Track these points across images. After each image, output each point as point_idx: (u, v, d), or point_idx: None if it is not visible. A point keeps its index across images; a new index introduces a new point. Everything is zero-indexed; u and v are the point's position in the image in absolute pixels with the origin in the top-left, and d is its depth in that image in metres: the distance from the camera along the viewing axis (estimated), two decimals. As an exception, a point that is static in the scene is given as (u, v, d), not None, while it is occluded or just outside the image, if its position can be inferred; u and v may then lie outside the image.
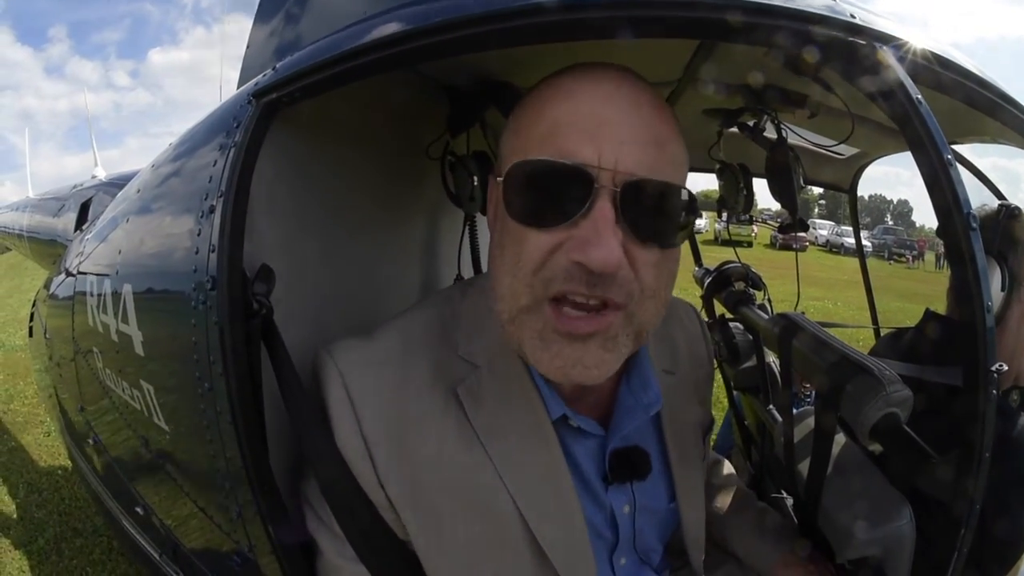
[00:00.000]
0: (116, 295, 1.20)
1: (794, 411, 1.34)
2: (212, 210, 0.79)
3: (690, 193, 0.65)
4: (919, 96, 0.69)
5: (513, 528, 0.72)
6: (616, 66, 0.67)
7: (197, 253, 0.80)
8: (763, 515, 1.09)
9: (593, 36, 0.67)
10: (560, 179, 0.61)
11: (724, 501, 1.13)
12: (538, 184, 0.62)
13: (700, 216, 0.71)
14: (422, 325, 0.78)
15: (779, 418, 1.44)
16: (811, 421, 1.18)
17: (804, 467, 1.13)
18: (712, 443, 2.83)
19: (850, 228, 2.48)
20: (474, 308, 0.78)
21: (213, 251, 0.76)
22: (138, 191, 1.34)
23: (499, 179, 0.67)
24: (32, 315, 2.67)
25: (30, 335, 2.77)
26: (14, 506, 3.17)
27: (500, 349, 0.73)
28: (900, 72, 0.68)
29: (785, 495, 1.37)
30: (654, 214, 0.62)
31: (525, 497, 0.72)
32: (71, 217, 2.76)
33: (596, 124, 0.61)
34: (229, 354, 0.73)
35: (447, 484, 0.72)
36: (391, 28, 0.69)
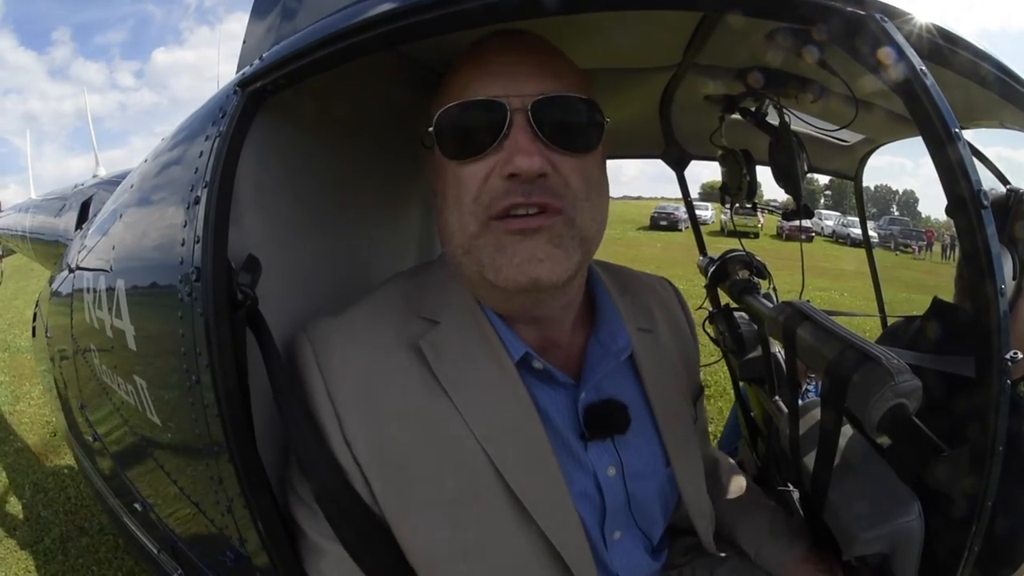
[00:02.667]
0: (111, 291, 1.20)
1: (801, 402, 1.31)
2: (198, 201, 0.78)
3: (593, 102, 0.74)
4: (923, 68, 0.66)
5: (485, 478, 0.72)
6: (519, 29, 0.76)
7: (183, 244, 0.79)
8: (775, 515, 1.08)
9: (587, 9, 0.65)
10: (478, 112, 0.70)
11: (734, 499, 1.11)
12: (461, 121, 0.71)
13: (607, 121, 0.77)
14: (387, 296, 0.82)
15: (785, 409, 1.41)
16: (818, 412, 1.15)
17: (811, 460, 1.10)
18: (718, 436, 2.82)
19: (857, 219, 2.45)
20: (436, 275, 0.83)
21: (198, 242, 0.75)
22: (132, 185, 1.33)
23: (430, 130, 0.74)
24: (35, 315, 2.68)
25: (33, 335, 2.78)
26: (20, 506, 3.19)
27: (459, 304, 0.78)
28: (903, 43, 0.66)
29: (792, 488, 1.35)
30: (566, 123, 0.71)
31: (494, 444, 0.72)
32: (72, 216, 2.77)
33: (499, 69, 0.71)
34: (215, 346, 0.72)
35: (414, 438, 0.73)
36: (371, 11, 0.68)
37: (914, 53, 0.66)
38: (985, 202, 0.64)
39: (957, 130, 0.64)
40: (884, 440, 0.90)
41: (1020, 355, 0.72)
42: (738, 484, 1.15)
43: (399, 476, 0.72)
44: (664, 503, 0.87)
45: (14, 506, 3.20)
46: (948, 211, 0.66)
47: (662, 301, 1.00)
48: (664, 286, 1.04)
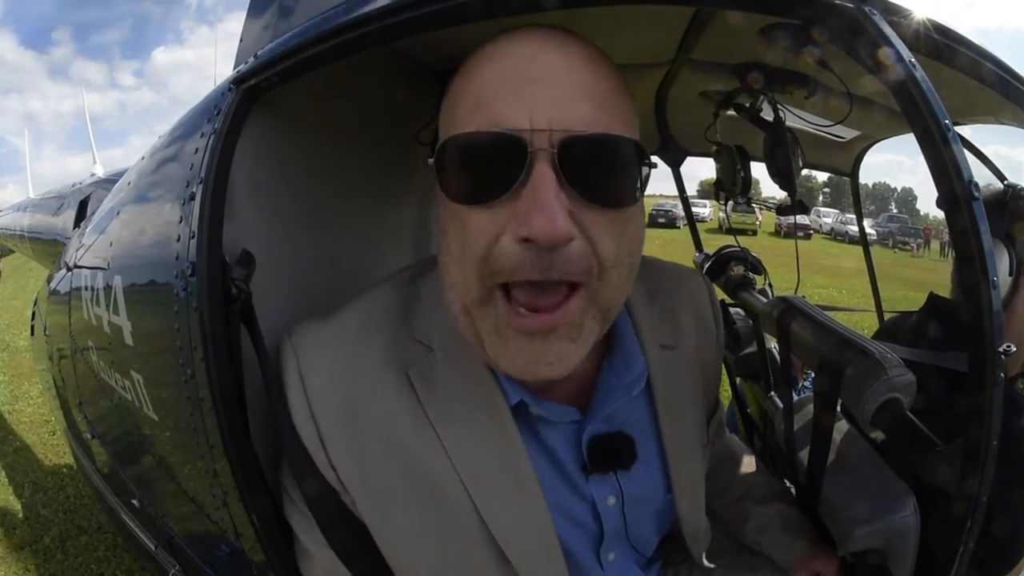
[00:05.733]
0: (108, 288, 1.20)
1: (797, 397, 1.31)
2: (193, 197, 0.78)
3: (639, 144, 0.59)
4: (913, 60, 0.66)
5: (466, 519, 0.69)
6: (545, 25, 0.61)
7: (179, 240, 0.80)
8: (787, 507, 1.06)
9: (584, 4, 0.64)
10: (492, 150, 0.56)
11: (747, 490, 1.09)
12: (470, 159, 0.58)
13: (655, 166, 0.63)
14: (383, 304, 0.74)
15: (780, 405, 1.41)
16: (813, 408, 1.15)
17: (806, 455, 1.10)
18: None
19: (855, 216, 2.44)
20: (435, 289, 0.72)
21: (193, 237, 0.75)
22: (129, 183, 1.34)
23: (430, 161, 0.61)
24: (34, 313, 2.68)
25: (32, 334, 2.78)
26: (19, 505, 3.18)
27: (456, 332, 0.68)
28: (894, 38, 0.66)
29: (788, 484, 1.35)
30: (600, 171, 0.57)
31: (477, 486, 0.68)
32: (71, 215, 2.77)
33: (523, 84, 0.56)
34: (209, 340, 0.73)
35: (397, 468, 0.69)
36: (366, 7, 0.68)
37: (904, 47, 0.66)
38: (976, 193, 0.64)
39: (947, 122, 0.64)
40: (878, 435, 0.90)
41: (1014, 348, 0.72)
42: (752, 474, 1.12)
43: (382, 502, 0.70)
44: (660, 524, 0.85)
45: (13, 505, 3.19)
46: (939, 203, 0.66)
47: (693, 301, 0.90)
48: (697, 281, 0.94)
